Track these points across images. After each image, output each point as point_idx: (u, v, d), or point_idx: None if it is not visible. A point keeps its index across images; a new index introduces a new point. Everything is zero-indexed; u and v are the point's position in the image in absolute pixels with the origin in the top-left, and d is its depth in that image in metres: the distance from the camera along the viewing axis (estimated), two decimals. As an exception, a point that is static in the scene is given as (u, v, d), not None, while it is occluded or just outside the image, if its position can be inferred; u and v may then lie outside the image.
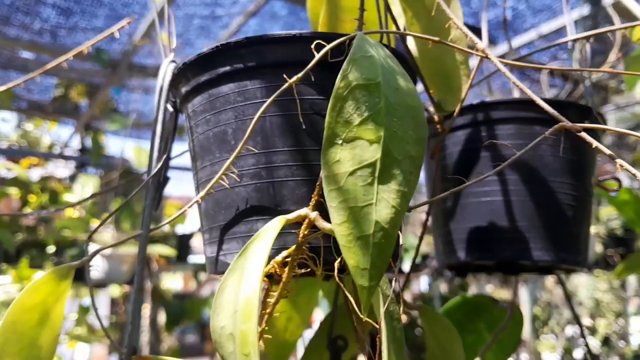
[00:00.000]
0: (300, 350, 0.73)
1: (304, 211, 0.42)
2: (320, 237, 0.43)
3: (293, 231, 0.43)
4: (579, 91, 2.00)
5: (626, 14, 1.75)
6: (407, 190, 0.38)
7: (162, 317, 2.94)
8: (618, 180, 0.71)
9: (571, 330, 3.53)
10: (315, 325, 0.66)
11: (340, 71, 0.38)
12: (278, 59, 0.44)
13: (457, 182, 0.64)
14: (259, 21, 2.46)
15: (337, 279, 0.41)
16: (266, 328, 0.44)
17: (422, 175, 0.61)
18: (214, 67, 0.46)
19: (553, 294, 3.58)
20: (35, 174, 2.85)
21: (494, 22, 2.07)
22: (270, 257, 0.43)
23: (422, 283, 3.71)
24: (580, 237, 0.63)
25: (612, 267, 2.47)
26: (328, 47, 0.41)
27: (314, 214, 0.42)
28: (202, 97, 0.48)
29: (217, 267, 0.47)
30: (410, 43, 0.55)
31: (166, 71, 0.51)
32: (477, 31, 0.62)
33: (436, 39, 0.44)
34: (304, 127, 0.44)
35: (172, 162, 0.55)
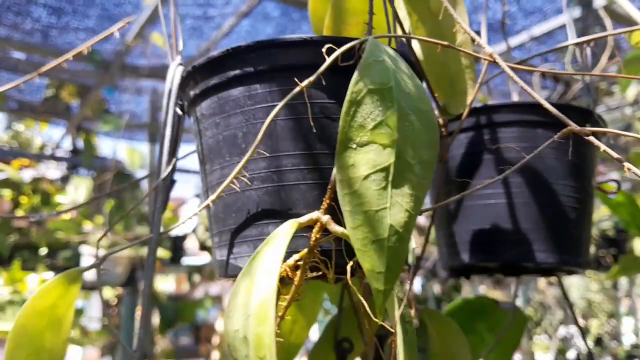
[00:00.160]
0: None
1: (315, 215, 0.43)
2: (332, 240, 0.43)
3: (304, 235, 0.43)
4: (571, 93, 2.02)
5: (616, 17, 1.77)
6: (420, 194, 0.39)
7: (155, 319, 2.93)
8: (617, 182, 0.72)
9: (564, 330, 3.55)
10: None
11: (354, 76, 0.39)
12: (289, 63, 0.45)
13: (460, 185, 0.65)
14: (251, 22, 2.46)
15: (349, 282, 0.41)
16: (278, 331, 0.44)
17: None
18: (223, 71, 0.46)
19: (546, 295, 3.60)
20: (26, 176, 2.83)
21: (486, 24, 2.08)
22: (282, 261, 0.43)
23: (415, 285, 3.72)
24: (582, 239, 0.63)
25: (604, 267, 2.49)
26: (339, 50, 0.41)
27: (325, 218, 0.42)
28: (211, 100, 0.48)
29: (228, 270, 0.47)
30: (416, 47, 0.55)
31: (174, 74, 0.51)
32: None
33: (444, 43, 0.44)
34: (314, 130, 0.44)
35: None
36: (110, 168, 2.67)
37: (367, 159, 0.38)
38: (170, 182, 0.53)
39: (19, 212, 2.61)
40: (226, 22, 2.34)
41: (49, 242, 2.51)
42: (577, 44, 0.59)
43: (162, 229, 0.51)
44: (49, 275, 2.19)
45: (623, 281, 3.57)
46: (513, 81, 0.43)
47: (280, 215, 0.44)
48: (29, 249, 2.53)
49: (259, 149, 0.44)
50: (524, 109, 0.63)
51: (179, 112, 0.52)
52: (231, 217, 0.47)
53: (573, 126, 0.39)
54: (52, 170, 3.05)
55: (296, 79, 0.42)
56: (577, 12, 1.73)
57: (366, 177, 0.38)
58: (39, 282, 2.06)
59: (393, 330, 0.40)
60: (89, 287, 2.49)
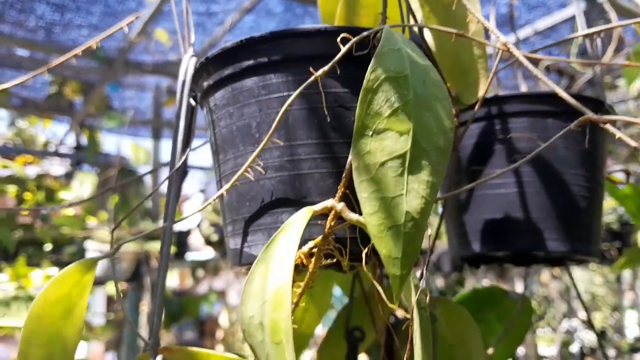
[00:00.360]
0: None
1: (330, 202, 0.43)
2: (347, 228, 0.43)
3: (319, 222, 0.44)
4: (576, 87, 2.01)
5: (621, 10, 1.77)
6: (436, 181, 0.39)
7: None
8: (626, 172, 0.72)
9: (566, 324, 3.56)
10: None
11: (370, 64, 0.39)
12: (303, 53, 0.45)
13: (471, 175, 0.65)
14: (254, 18, 2.46)
15: (364, 269, 0.41)
16: (292, 317, 0.45)
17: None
18: (237, 61, 0.47)
19: (549, 288, 3.60)
20: (30, 172, 2.84)
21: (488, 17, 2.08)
22: (297, 248, 0.43)
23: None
24: (593, 228, 0.64)
25: (608, 260, 2.49)
26: (354, 39, 0.42)
27: (340, 205, 0.42)
28: (224, 90, 0.48)
29: (242, 258, 0.48)
30: (428, 37, 0.55)
31: (188, 65, 0.51)
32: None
33: (459, 32, 0.44)
34: (328, 120, 0.44)
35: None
36: (115, 164, 2.67)
37: (384, 146, 0.38)
38: (183, 173, 0.53)
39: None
40: (229, 18, 2.34)
41: (54, 238, 2.52)
42: (586, 35, 0.59)
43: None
44: (54, 271, 2.20)
45: (626, 274, 3.58)
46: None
47: (294, 203, 0.45)
48: (34, 245, 2.54)
49: (273, 138, 0.44)
50: (534, 100, 0.63)
51: (193, 102, 0.52)
52: (245, 206, 0.47)
53: (590, 114, 0.40)
54: (56, 167, 3.06)
55: (311, 69, 0.42)
56: (581, 5, 1.73)
57: (382, 164, 0.38)
58: (43, 278, 2.07)
59: (407, 317, 0.40)
60: (94, 283, 2.50)
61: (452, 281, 3.08)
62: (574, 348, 3.41)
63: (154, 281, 2.46)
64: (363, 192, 0.38)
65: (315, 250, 0.44)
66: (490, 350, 0.74)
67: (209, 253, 3.34)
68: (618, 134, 0.41)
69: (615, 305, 3.79)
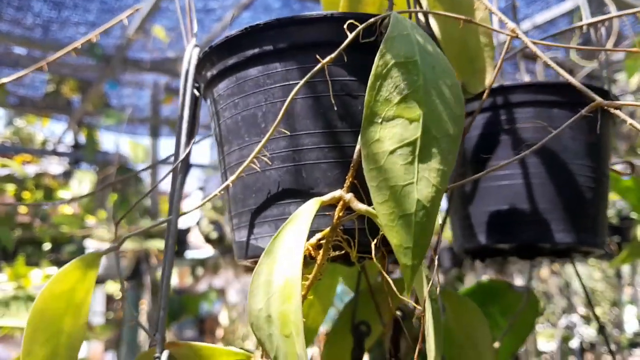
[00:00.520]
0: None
1: (338, 193, 0.42)
2: (355, 219, 0.42)
3: (326, 213, 0.43)
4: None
5: (619, 4, 1.76)
6: (446, 169, 0.38)
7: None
8: (631, 164, 0.71)
9: (565, 320, 3.56)
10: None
11: (379, 49, 0.38)
12: (309, 40, 0.44)
13: (476, 167, 0.64)
14: (252, 14, 2.46)
15: (374, 260, 0.41)
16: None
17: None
18: (242, 50, 0.46)
19: (548, 284, 3.61)
20: (29, 171, 2.82)
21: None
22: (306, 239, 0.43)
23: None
24: (599, 219, 0.63)
25: (607, 255, 2.48)
26: (362, 25, 0.41)
27: (348, 196, 0.42)
28: (229, 80, 0.47)
29: (248, 251, 0.47)
30: (433, 25, 0.55)
31: (191, 55, 0.50)
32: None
33: (467, 17, 0.44)
34: (335, 108, 0.43)
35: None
36: (113, 162, 2.66)
37: (393, 133, 0.37)
38: (187, 166, 0.52)
39: (22, 207, 2.61)
40: (227, 14, 2.33)
41: (53, 237, 2.51)
42: (591, 24, 0.58)
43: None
44: (53, 270, 2.19)
45: (625, 269, 3.58)
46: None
47: (301, 194, 0.44)
48: (33, 244, 2.54)
49: (279, 128, 0.44)
50: (539, 89, 0.62)
51: (197, 93, 0.51)
52: (251, 198, 0.46)
53: (601, 100, 0.39)
54: (55, 166, 3.05)
55: (317, 56, 0.42)
56: (580, -1, 1.73)
57: (392, 152, 0.37)
58: (42, 278, 2.06)
59: (413, 310, 0.40)
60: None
61: (452, 277, 3.07)
62: (574, 343, 3.41)
63: (154, 279, 2.46)
64: (373, 181, 0.38)
65: (323, 241, 0.43)
66: (496, 344, 0.73)
67: (208, 251, 3.33)
68: (629, 121, 0.40)
69: (615, 300, 3.79)
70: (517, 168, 0.62)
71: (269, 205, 0.45)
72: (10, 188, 2.64)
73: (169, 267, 0.47)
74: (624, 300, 3.75)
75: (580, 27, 0.58)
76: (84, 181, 2.41)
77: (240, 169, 0.45)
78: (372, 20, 0.42)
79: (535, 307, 0.78)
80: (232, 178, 0.46)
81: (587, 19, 0.70)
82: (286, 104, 0.42)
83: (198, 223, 2.87)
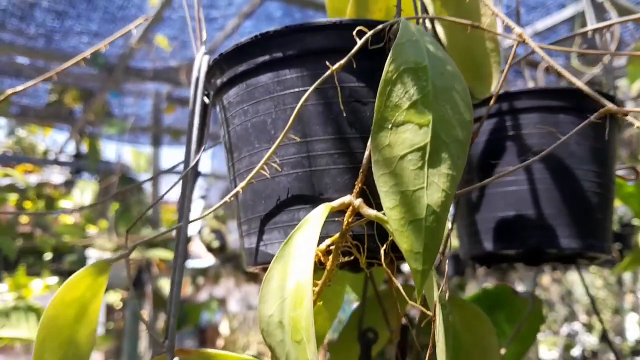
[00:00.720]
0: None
1: (347, 198, 0.42)
2: (364, 224, 0.43)
3: (336, 219, 0.43)
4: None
5: (621, 10, 1.77)
6: (456, 174, 0.38)
7: (160, 322, 2.93)
8: (635, 170, 0.72)
9: (567, 328, 3.55)
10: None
11: (389, 55, 0.38)
12: (318, 47, 0.44)
13: (482, 173, 0.65)
14: (254, 23, 2.47)
15: (384, 265, 0.41)
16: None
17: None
18: (252, 57, 0.46)
19: (550, 292, 3.60)
20: (30, 181, 2.83)
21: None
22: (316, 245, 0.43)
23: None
24: (605, 224, 0.63)
25: (609, 263, 2.48)
26: (371, 32, 0.41)
27: (358, 201, 0.42)
28: (239, 87, 0.48)
29: (257, 258, 0.47)
30: (440, 32, 0.55)
31: (201, 63, 0.51)
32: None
33: (475, 23, 0.44)
34: (344, 115, 0.44)
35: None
36: (115, 172, 2.66)
37: (403, 138, 0.38)
38: (196, 173, 0.53)
39: (24, 217, 2.61)
40: (228, 23, 2.34)
41: (54, 247, 2.51)
42: (596, 30, 0.59)
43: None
44: (54, 280, 2.19)
45: (627, 277, 3.57)
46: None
47: (311, 200, 0.44)
48: (34, 253, 2.53)
49: (289, 134, 0.44)
50: (545, 95, 0.63)
51: (207, 100, 0.52)
52: (261, 204, 0.46)
53: (611, 105, 0.39)
54: (56, 175, 3.05)
55: (327, 63, 0.42)
56: (580, 5, 1.74)
57: (402, 157, 0.38)
58: (43, 288, 2.06)
59: (422, 317, 0.40)
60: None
61: (454, 285, 3.07)
62: (576, 352, 3.40)
63: (155, 288, 2.45)
64: (383, 186, 0.38)
65: (332, 247, 0.43)
66: (502, 351, 0.73)
67: (209, 260, 3.33)
68: (637, 123, 0.41)
69: (616, 308, 3.78)
70: (523, 174, 0.62)
71: (279, 211, 0.45)
72: (12, 197, 2.64)
73: (180, 274, 0.47)
74: (625, 308, 3.74)
75: (583, 33, 0.59)
76: (85, 191, 2.41)
77: (250, 175, 0.45)
78: (380, 26, 0.42)
79: (539, 314, 0.78)
80: (241, 184, 0.46)
81: (591, 24, 0.70)
82: (296, 110, 0.42)
83: (199, 232, 2.87)
